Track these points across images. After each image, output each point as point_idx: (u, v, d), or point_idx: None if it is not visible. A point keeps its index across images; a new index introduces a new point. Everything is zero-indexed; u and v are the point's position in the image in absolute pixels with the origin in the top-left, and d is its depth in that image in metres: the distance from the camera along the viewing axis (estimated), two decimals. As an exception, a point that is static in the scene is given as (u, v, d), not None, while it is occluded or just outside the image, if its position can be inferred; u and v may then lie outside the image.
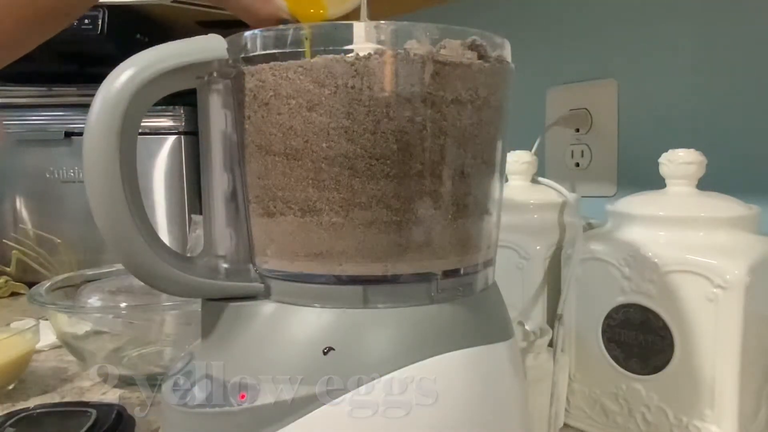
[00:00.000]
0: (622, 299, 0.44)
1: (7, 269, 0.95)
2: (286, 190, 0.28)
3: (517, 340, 0.36)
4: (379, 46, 0.26)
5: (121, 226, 0.27)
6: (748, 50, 0.59)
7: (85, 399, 0.54)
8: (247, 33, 0.28)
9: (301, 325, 0.28)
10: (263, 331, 0.28)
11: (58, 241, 0.93)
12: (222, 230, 0.31)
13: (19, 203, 0.97)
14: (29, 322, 0.62)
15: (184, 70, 0.28)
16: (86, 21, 0.86)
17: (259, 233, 0.29)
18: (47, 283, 0.62)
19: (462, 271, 0.30)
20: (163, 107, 0.92)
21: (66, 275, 0.66)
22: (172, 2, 0.86)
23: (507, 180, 0.56)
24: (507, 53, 0.31)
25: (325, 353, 0.26)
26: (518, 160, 0.56)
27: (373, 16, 0.30)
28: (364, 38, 0.26)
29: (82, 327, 0.58)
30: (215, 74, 0.28)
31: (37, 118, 0.95)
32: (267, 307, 0.29)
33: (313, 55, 0.26)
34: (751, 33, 0.59)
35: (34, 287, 0.61)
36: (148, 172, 0.92)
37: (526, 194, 0.54)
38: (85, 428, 0.42)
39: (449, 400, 0.27)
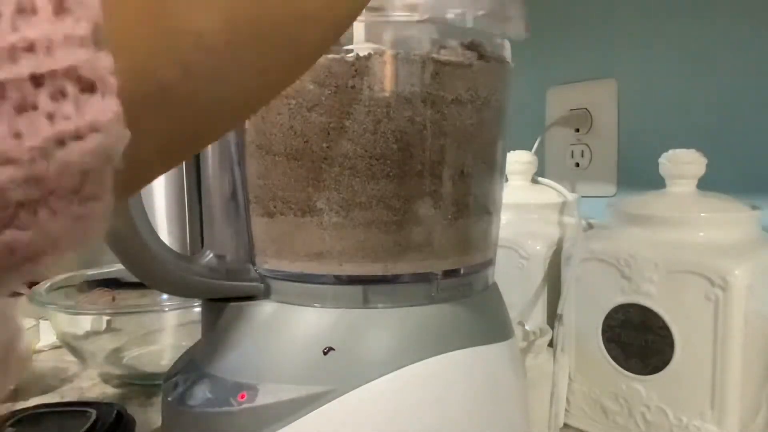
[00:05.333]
0: (622, 299, 0.44)
1: (7, 269, 0.95)
2: (286, 190, 0.28)
3: (517, 340, 0.36)
4: (379, 46, 0.26)
5: (120, 225, 0.27)
6: (749, 50, 0.59)
7: (85, 399, 0.54)
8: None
9: (301, 325, 0.28)
10: (263, 331, 0.28)
11: (58, 241, 0.93)
12: (222, 230, 0.31)
13: (19, 203, 0.97)
14: (29, 322, 0.62)
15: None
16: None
17: (259, 233, 0.29)
18: (47, 283, 0.62)
19: (462, 271, 0.30)
20: (163, 107, 0.92)
21: (66, 275, 0.66)
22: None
23: (507, 180, 0.56)
24: (507, 53, 0.31)
25: (325, 353, 0.26)
26: (518, 160, 0.56)
27: (373, 16, 0.30)
28: (364, 38, 0.26)
29: (82, 327, 0.58)
30: (215, 74, 0.28)
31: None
32: (267, 307, 0.29)
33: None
34: (751, 33, 0.59)
35: (34, 287, 0.61)
36: (148, 172, 0.92)
37: (526, 194, 0.54)
38: (85, 428, 0.42)
39: (449, 400, 0.27)
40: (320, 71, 0.26)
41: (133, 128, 0.10)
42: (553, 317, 0.46)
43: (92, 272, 0.68)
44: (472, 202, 0.29)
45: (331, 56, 0.26)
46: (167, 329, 0.61)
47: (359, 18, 0.27)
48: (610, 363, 0.45)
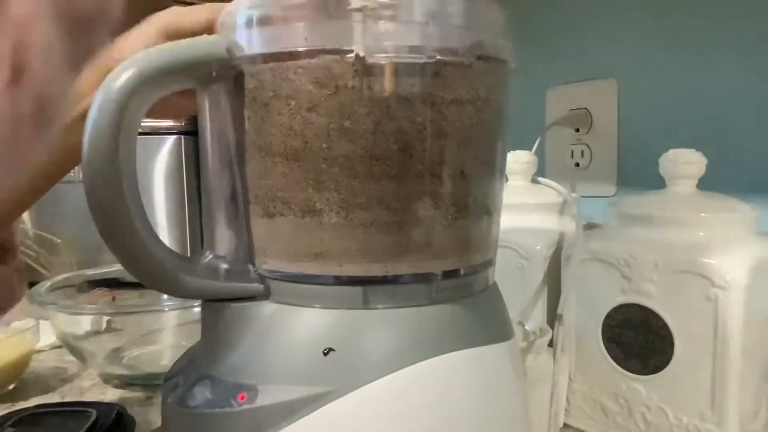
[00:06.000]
0: (622, 299, 0.44)
1: (7, 269, 0.95)
2: (286, 190, 0.28)
3: (517, 341, 0.36)
4: (379, 46, 0.26)
5: (119, 226, 0.27)
6: (749, 50, 0.59)
7: (85, 399, 0.54)
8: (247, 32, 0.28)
9: (301, 325, 0.28)
10: (263, 331, 0.28)
11: (58, 241, 0.93)
12: (222, 231, 0.31)
13: (19, 203, 0.97)
14: (29, 322, 0.62)
15: (184, 71, 0.28)
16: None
17: (259, 234, 0.29)
18: (47, 283, 0.62)
19: (462, 272, 0.30)
20: (163, 107, 0.92)
21: (66, 275, 0.66)
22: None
23: (507, 180, 0.56)
24: (507, 53, 0.30)
25: (325, 354, 0.26)
26: (518, 160, 0.56)
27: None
28: (364, 38, 0.26)
29: (82, 327, 0.58)
30: (215, 75, 0.28)
31: (37, 118, 0.94)
32: (267, 308, 0.29)
33: (313, 56, 0.26)
34: (751, 33, 0.59)
35: (34, 287, 0.61)
36: (148, 172, 0.92)
37: (526, 194, 0.54)
38: (85, 428, 0.42)
39: (450, 401, 0.27)
40: (320, 71, 0.26)
41: None
42: (553, 317, 0.46)
43: (92, 272, 0.68)
44: (472, 203, 0.29)
45: (331, 56, 0.26)
46: (167, 329, 0.61)
47: (358, 20, 0.27)
48: (610, 363, 0.45)
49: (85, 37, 0.34)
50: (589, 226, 0.52)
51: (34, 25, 0.34)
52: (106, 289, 0.69)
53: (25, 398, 0.55)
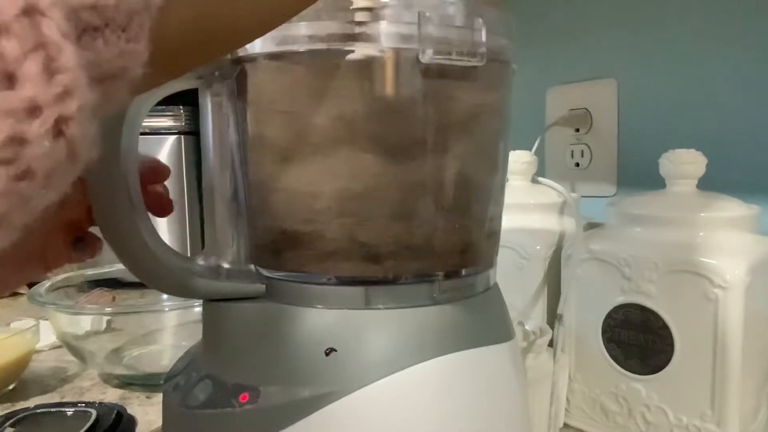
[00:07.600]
0: (622, 299, 0.44)
1: (7, 269, 0.95)
2: (287, 190, 0.28)
3: (518, 341, 0.36)
4: (380, 46, 0.26)
5: (121, 225, 0.27)
6: (748, 49, 0.59)
7: (85, 399, 0.54)
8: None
9: (302, 326, 0.28)
10: (265, 332, 0.28)
11: (58, 240, 0.93)
12: (223, 230, 0.31)
13: (19, 203, 0.96)
14: (29, 322, 0.62)
15: (186, 70, 0.28)
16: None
17: (260, 233, 0.29)
18: (47, 283, 0.62)
19: (463, 272, 0.30)
20: (163, 107, 0.92)
21: (66, 275, 0.66)
22: None
23: (507, 180, 0.56)
24: (509, 53, 0.30)
25: (327, 354, 0.26)
26: (518, 160, 0.56)
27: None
28: (364, 38, 0.26)
29: (82, 327, 0.58)
30: (216, 74, 0.28)
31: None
32: (268, 308, 0.29)
33: (315, 56, 0.26)
34: (750, 32, 0.59)
35: (34, 287, 0.60)
36: (147, 172, 0.92)
37: (526, 194, 0.54)
38: (85, 428, 0.42)
39: (450, 401, 0.27)
40: (321, 72, 0.26)
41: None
42: (553, 317, 0.46)
43: (92, 272, 0.68)
44: (474, 203, 0.29)
45: (332, 57, 0.26)
46: (167, 329, 0.61)
47: (359, 18, 0.27)
48: (610, 363, 0.45)
49: None
50: (589, 226, 0.52)
51: None
52: (106, 289, 0.69)
53: (25, 398, 0.55)
